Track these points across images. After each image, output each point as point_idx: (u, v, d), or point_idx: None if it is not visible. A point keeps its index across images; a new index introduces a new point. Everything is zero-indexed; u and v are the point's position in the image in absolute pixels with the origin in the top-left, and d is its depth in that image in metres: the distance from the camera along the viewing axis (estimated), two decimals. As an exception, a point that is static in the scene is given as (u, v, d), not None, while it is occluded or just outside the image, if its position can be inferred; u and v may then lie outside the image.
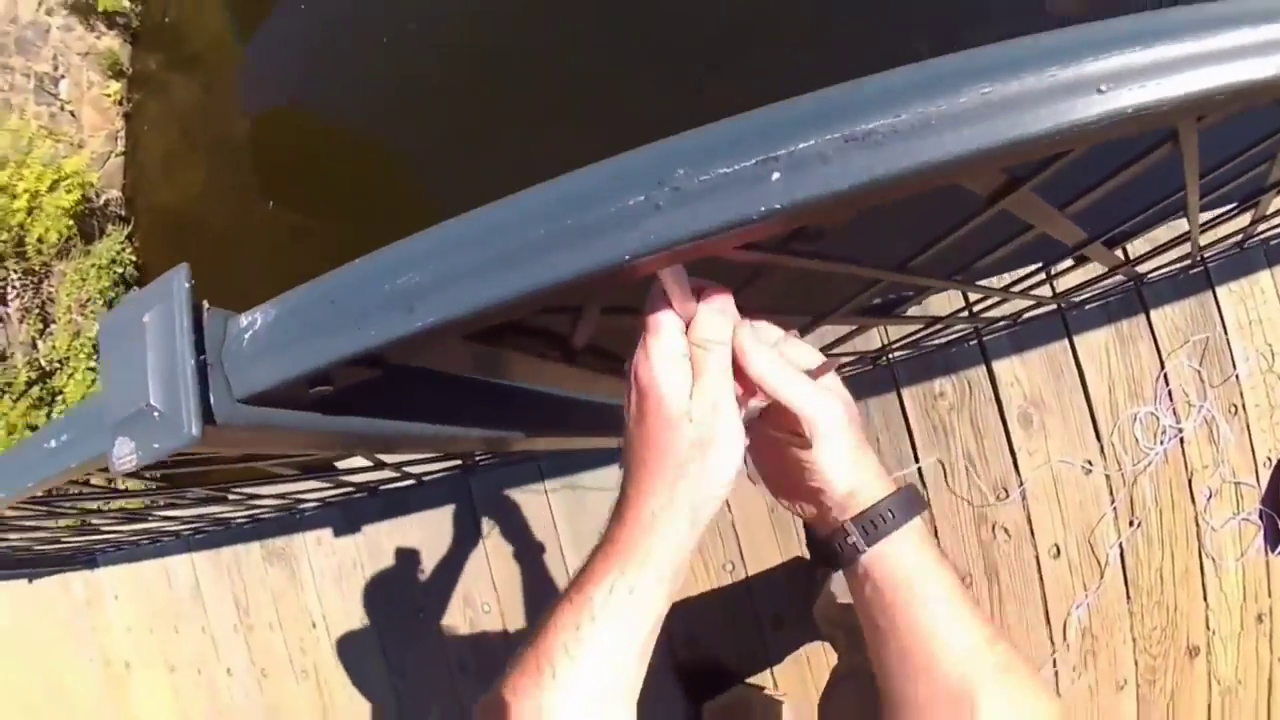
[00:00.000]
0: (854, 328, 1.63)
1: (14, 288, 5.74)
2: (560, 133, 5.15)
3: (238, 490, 1.80)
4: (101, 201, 6.28)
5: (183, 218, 6.36)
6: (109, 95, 6.72)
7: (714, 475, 0.60)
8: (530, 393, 1.01)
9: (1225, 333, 2.01)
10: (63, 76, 6.58)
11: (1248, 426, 2.00)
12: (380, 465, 1.76)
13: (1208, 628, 2.04)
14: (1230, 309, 2.01)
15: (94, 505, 1.79)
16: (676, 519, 0.60)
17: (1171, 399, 2.02)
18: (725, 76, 4.97)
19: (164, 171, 6.59)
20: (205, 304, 0.57)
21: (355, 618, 2.44)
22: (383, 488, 2.19)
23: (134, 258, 6.06)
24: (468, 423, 0.89)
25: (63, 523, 1.95)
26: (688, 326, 0.60)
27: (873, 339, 2.03)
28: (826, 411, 0.62)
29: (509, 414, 0.99)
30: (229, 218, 6.16)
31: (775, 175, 0.43)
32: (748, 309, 0.63)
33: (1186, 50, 0.43)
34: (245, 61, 6.71)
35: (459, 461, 2.08)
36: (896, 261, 0.93)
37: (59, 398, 5.59)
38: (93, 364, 5.56)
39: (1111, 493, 2.04)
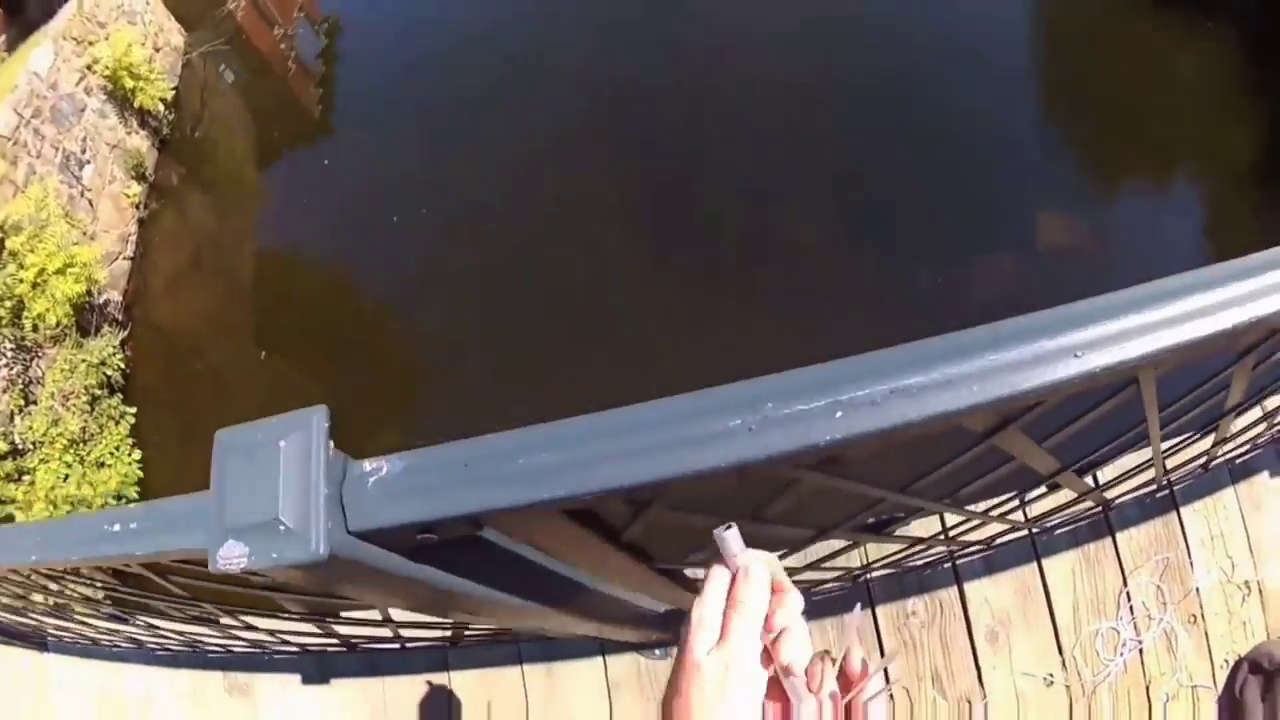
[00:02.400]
0: (846, 543, 1.77)
1: (4, 355, 5.76)
2: (556, 333, 5.39)
3: (239, 616, 1.84)
4: (102, 300, 6.35)
5: (178, 340, 6.46)
6: (129, 195, 6.83)
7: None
8: (563, 579, 1.13)
9: (1188, 549, 2.16)
10: (89, 162, 6.68)
11: (1206, 634, 2.11)
12: (386, 621, 1.82)
13: (1170, 828, 2.08)
14: (1194, 527, 2.17)
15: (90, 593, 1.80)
16: None
17: (1133, 613, 2.14)
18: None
19: (167, 288, 6.72)
20: (331, 445, 0.67)
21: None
22: (364, 646, 2.22)
23: (123, 365, 6.10)
24: (518, 593, 1.00)
25: (49, 601, 1.97)
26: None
27: (854, 558, 2.15)
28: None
29: (547, 592, 1.10)
30: (223, 352, 6.25)
31: (839, 414, 0.58)
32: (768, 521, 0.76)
33: (1142, 320, 0.60)
34: (264, 199, 6.92)
35: (450, 632, 2.14)
36: (898, 486, 1.08)
37: (27, 477, 5.54)
38: (68, 458, 5.55)
39: (1070, 703, 2.12)
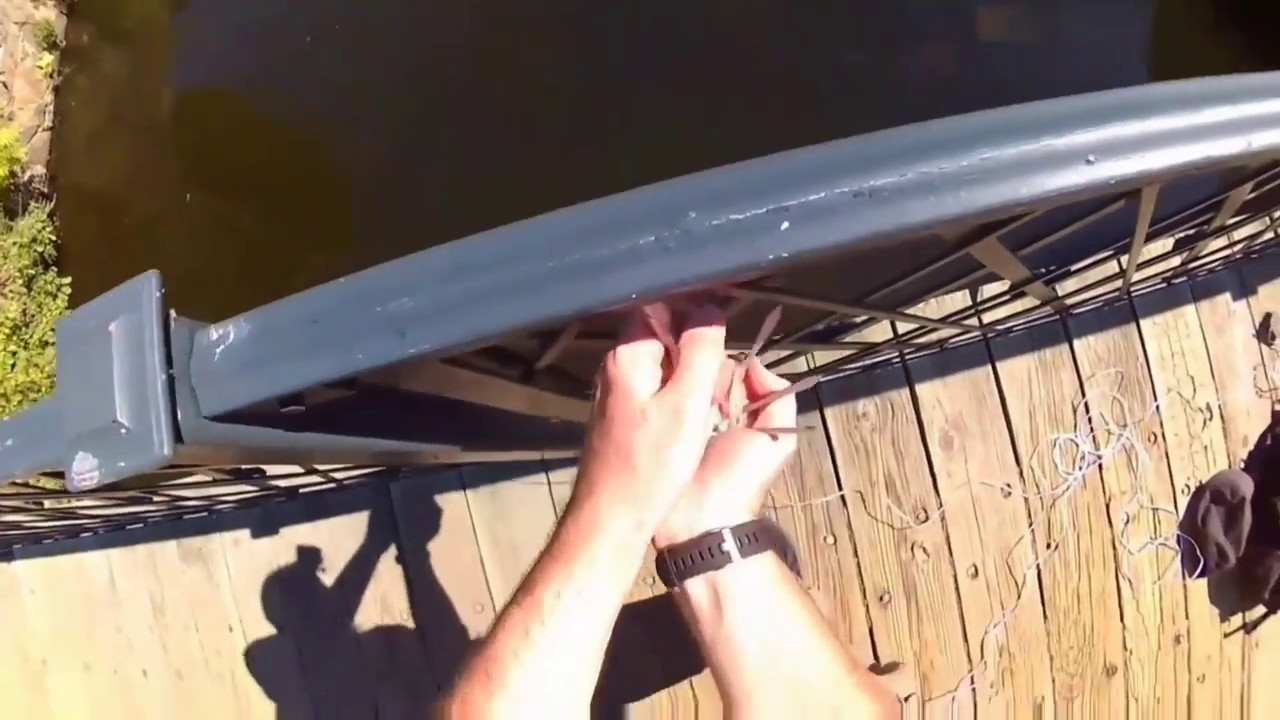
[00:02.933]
0: (790, 353, 1.66)
1: (-70, 256, 5.45)
2: (501, 141, 5.14)
3: (163, 491, 1.75)
4: (26, 177, 6.04)
5: (105, 199, 6.15)
6: (41, 67, 6.47)
7: (667, 479, 0.59)
8: (475, 407, 1.01)
9: (1148, 364, 2.11)
10: None
11: (1167, 455, 2.09)
12: (311, 470, 1.72)
13: (1125, 648, 2.13)
14: (1153, 342, 2.11)
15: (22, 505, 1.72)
16: (624, 519, 0.60)
17: (1091, 426, 2.10)
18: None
19: (89, 150, 6.40)
20: (173, 314, 0.55)
21: (272, 622, 2.37)
22: (303, 490, 2.14)
23: (54, 237, 5.85)
24: (418, 438, 0.88)
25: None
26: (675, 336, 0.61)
27: (799, 362, 2.06)
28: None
29: (455, 427, 0.98)
30: (152, 202, 6.00)
31: (784, 225, 0.44)
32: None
33: (1168, 125, 0.45)
34: (177, 40, 6.55)
35: (383, 466, 2.05)
36: (853, 295, 0.95)
37: (-27, 374, 5.35)
38: (12, 346, 5.38)
39: (1030, 515, 2.11)
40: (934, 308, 2.05)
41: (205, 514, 2.38)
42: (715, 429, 0.66)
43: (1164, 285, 2.06)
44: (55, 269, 5.85)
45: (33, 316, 5.62)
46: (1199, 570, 2.08)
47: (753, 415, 0.67)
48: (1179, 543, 2.10)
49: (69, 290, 5.77)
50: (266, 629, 2.38)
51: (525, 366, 0.87)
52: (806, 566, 2.14)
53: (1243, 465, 2.09)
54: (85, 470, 0.55)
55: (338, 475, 1.96)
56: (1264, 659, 2.14)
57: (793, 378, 0.68)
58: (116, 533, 2.51)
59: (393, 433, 0.81)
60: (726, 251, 0.44)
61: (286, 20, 5.92)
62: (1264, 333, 2.09)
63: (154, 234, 5.85)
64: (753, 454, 0.65)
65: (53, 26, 6.63)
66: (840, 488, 2.14)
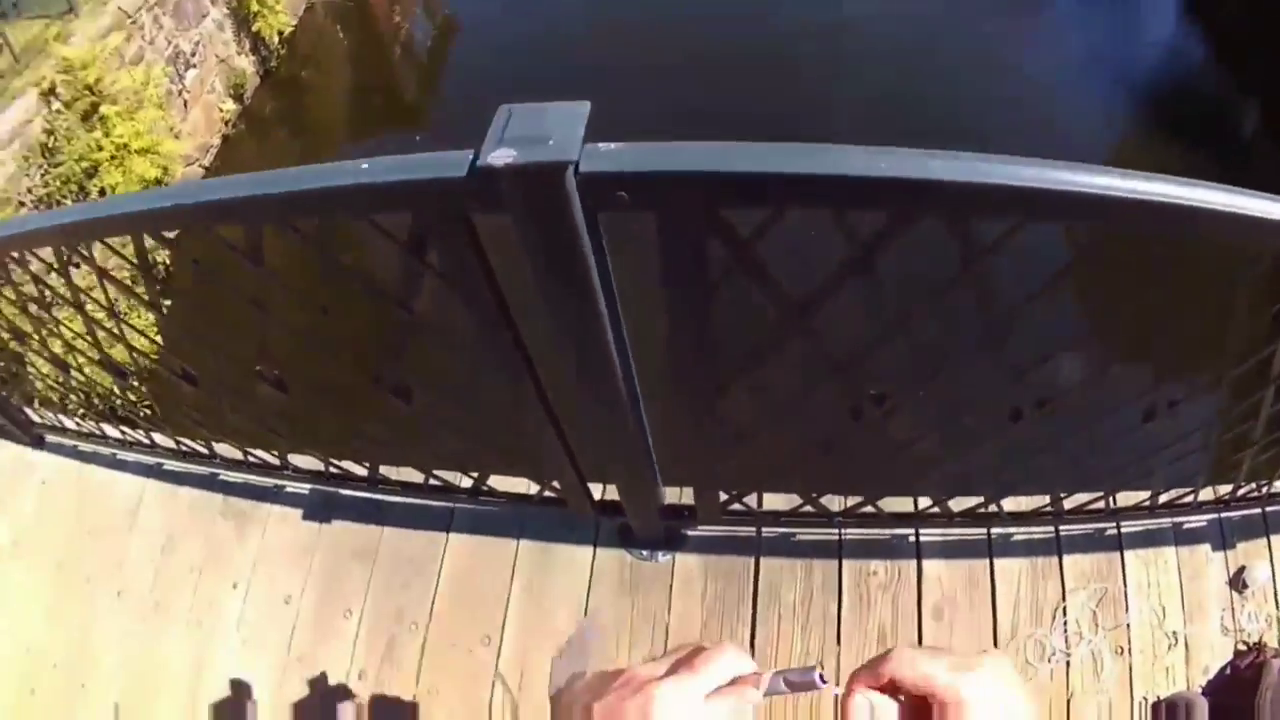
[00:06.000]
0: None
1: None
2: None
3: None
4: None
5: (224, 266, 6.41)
6: (222, 110, 6.90)
7: None
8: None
9: (1125, 587, 2.37)
10: (195, 66, 6.81)
11: (1130, 667, 2.30)
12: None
13: None
14: (1134, 570, 2.39)
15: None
16: None
17: (1065, 629, 2.33)
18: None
19: None
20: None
21: (280, 595, 2.46)
22: (382, 482, 2.35)
23: (167, 263, 6.05)
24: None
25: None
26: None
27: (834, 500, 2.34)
28: None
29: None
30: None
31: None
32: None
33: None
34: (341, 156, 7.15)
35: (471, 485, 2.31)
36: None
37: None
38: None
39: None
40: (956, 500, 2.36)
41: (268, 479, 2.56)
42: None
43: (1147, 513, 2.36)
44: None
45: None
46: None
47: None
48: (1131, 753, 2.25)
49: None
50: (270, 599, 2.47)
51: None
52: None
53: (1200, 689, 2.29)
54: (503, 156, 0.92)
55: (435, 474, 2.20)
56: None
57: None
58: (168, 468, 2.65)
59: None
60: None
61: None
62: (1236, 581, 2.37)
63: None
64: None
65: (245, 79, 7.18)
66: (839, 627, 2.35)
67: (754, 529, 2.42)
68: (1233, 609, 2.37)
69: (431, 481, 2.30)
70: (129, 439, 2.62)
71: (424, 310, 1.43)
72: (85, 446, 2.82)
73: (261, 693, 2.39)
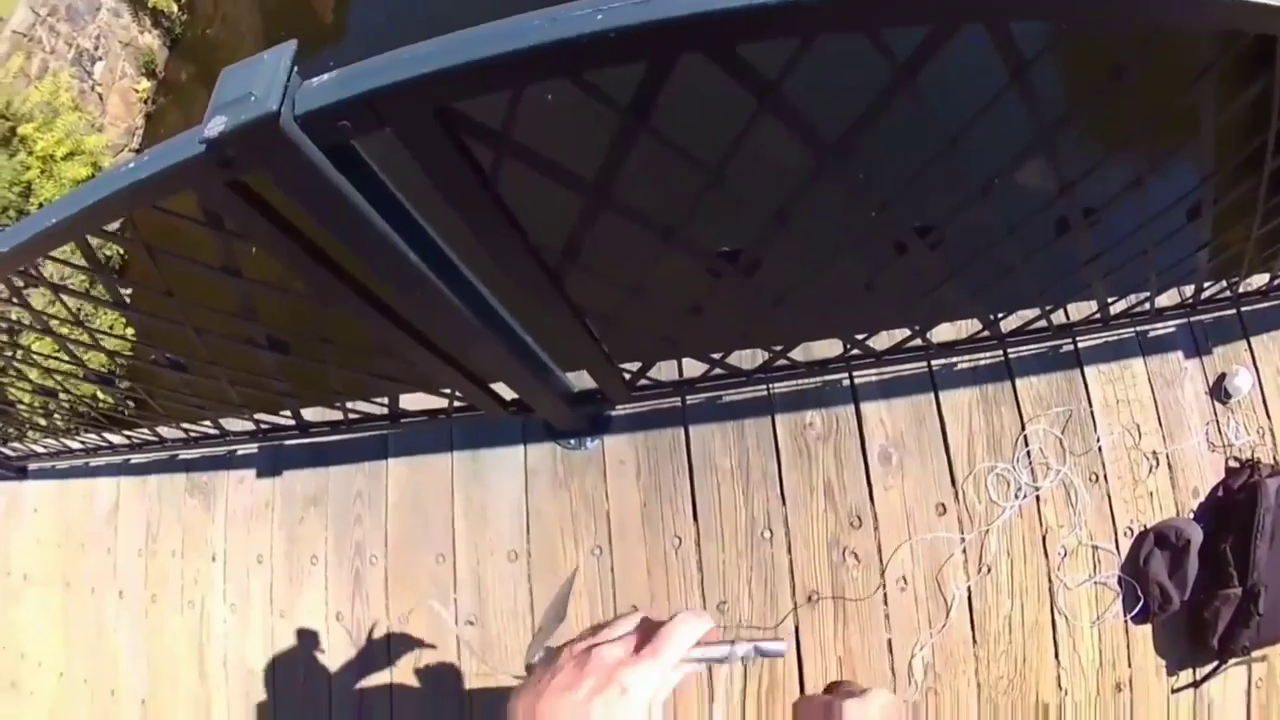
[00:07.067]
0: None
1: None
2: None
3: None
4: None
5: (175, 233, 6.61)
6: (137, 91, 7.08)
7: None
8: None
9: (1090, 408, 2.20)
10: (100, 58, 6.99)
11: (1109, 495, 2.14)
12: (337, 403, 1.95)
13: (1060, 687, 2.09)
14: (1098, 388, 2.21)
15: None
16: None
17: (1030, 460, 2.18)
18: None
19: None
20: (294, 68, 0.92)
21: (253, 555, 2.56)
22: (313, 428, 2.38)
23: (121, 252, 6.13)
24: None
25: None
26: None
27: (757, 356, 2.25)
28: None
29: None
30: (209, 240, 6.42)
31: None
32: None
33: None
34: None
35: (386, 412, 2.30)
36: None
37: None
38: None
39: (962, 534, 2.17)
40: (884, 338, 2.23)
41: (220, 448, 2.62)
42: None
43: (1100, 325, 2.18)
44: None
45: (88, 317, 5.84)
46: (1139, 610, 2.07)
47: None
48: (1120, 584, 2.10)
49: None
50: (246, 561, 2.58)
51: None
52: (743, 558, 2.23)
53: (1192, 515, 2.12)
54: (216, 126, 0.90)
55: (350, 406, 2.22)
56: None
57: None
58: (133, 461, 2.76)
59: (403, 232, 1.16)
60: None
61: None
62: (1218, 391, 2.17)
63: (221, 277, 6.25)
64: None
65: (154, 55, 7.27)
66: (781, 486, 2.26)
67: (678, 400, 2.35)
68: (1217, 422, 2.17)
69: (351, 415, 2.30)
70: (91, 445, 2.73)
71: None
72: (61, 464, 2.96)
73: (256, 658, 2.51)
